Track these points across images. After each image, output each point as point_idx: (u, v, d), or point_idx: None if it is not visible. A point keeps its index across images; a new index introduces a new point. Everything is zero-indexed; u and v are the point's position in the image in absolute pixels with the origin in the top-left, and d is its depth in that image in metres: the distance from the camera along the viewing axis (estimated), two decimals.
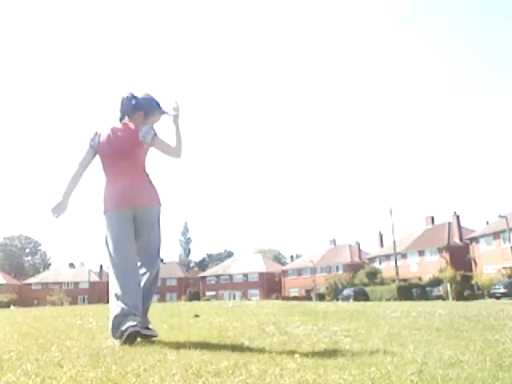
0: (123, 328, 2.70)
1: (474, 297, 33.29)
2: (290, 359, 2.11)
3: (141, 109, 3.19)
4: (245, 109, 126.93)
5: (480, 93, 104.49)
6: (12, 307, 31.91)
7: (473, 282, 36.50)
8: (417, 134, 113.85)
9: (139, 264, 3.01)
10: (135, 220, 3.00)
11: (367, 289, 39.96)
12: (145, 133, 3.10)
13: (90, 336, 3.29)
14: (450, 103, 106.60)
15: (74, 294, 65.46)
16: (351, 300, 32.54)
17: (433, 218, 51.35)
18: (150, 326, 3.03)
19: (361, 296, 36.48)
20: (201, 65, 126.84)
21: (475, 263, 40.50)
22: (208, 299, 51.06)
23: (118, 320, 2.76)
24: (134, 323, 2.70)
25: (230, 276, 65.90)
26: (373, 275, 44.79)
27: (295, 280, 60.69)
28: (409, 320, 4.88)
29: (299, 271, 60.76)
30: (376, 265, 50.45)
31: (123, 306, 2.78)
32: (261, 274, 64.60)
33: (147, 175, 3.12)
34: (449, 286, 35.05)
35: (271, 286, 61.76)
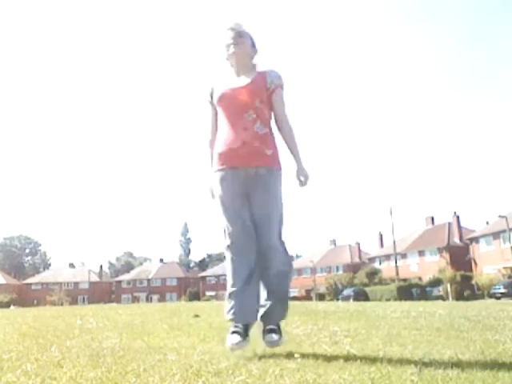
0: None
1: (474, 297, 33.29)
2: (289, 359, 2.11)
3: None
4: None
5: (480, 93, 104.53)
6: (12, 307, 31.95)
7: (473, 282, 36.51)
8: (417, 134, 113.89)
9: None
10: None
11: (367, 289, 39.95)
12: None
13: (90, 336, 3.29)
14: (451, 103, 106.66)
15: (74, 294, 65.48)
16: (351, 300, 32.54)
17: (433, 218, 51.34)
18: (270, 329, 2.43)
19: (361, 296, 36.48)
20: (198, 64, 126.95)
21: (475, 263, 40.48)
22: (208, 299, 51.03)
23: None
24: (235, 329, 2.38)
25: None
26: (373, 275, 44.77)
27: (295, 280, 60.56)
28: (409, 320, 4.87)
29: (299, 271, 60.73)
30: (376, 265, 50.43)
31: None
32: None
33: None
34: (449, 286, 35.05)
35: None
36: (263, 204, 2.45)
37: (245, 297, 2.42)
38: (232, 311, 2.43)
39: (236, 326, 2.41)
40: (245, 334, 2.39)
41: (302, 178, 2.56)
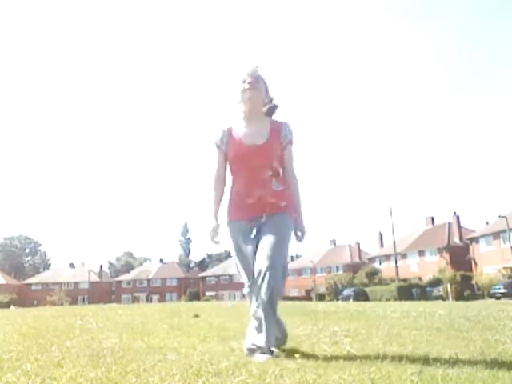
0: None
1: (474, 297, 33.29)
2: (290, 359, 2.11)
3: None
4: None
5: (480, 93, 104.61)
6: (12, 307, 31.96)
7: (473, 282, 36.51)
8: (417, 134, 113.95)
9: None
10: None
11: (367, 289, 39.95)
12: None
13: (90, 336, 3.29)
14: (451, 103, 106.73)
15: (74, 294, 65.47)
16: (351, 300, 32.55)
17: (433, 218, 51.33)
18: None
19: (361, 296, 36.48)
20: (195, 66, 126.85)
21: (475, 263, 40.49)
22: (208, 299, 51.06)
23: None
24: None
25: (230, 276, 65.82)
26: (373, 275, 44.77)
27: (295, 280, 60.70)
28: (409, 320, 4.88)
29: (299, 271, 60.73)
30: (376, 265, 50.43)
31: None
32: None
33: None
34: (449, 286, 35.05)
35: None
36: (267, 243, 2.43)
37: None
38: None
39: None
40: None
41: (299, 234, 2.61)
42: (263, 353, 2.31)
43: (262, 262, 2.39)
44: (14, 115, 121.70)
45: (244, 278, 2.55)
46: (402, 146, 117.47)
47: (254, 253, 2.48)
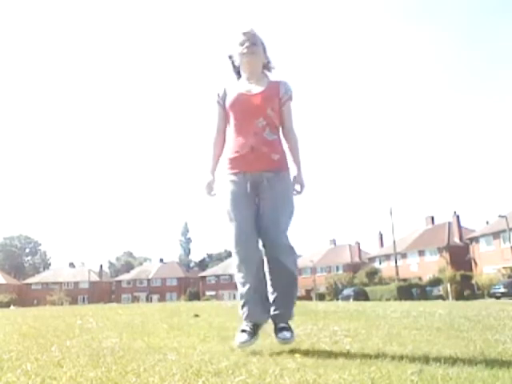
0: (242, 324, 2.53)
1: (474, 297, 33.31)
2: (290, 359, 2.11)
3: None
4: None
5: (480, 93, 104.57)
6: (12, 307, 31.95)
7: (473, 281, 36.53)
8: (417, 134, 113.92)
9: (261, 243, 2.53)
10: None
11: (367, 289, 39.97)
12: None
13: (90, 336, 3.29)
14: (451, 103, 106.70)
15: (74, 294, 65.47)
16: (351, 300, 32.55)
17: (433, 218, 51.36)
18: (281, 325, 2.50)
19: (361, 296, 36.50)
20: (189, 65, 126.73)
21: (475, 263, 40.50)
22: (208, 299, 51.08)
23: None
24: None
25: (230, 276, 65.71)
26: (373, 275, 44.79)
27: None
28: (409, 320, 4.88)
29: (299, 271, 60.42)
30: (376, 265, 50.44)
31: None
32: None
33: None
34: (449, 285, 35.08)
35: None
36: (270, 205, 2.51)
37: (255, 297, 2.50)
38: (244, 310, 2.51)
39: (246, 325, 2.49)
40: (253, 332, 2.47)
41: (298, 187, 2.66)
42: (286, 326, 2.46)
43: (271, 242, 2.46)
44: (14, 115, 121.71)
45: (235, 236, 2.50)
46: (402, 146, 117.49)
47: (248, 212, 2.50)
